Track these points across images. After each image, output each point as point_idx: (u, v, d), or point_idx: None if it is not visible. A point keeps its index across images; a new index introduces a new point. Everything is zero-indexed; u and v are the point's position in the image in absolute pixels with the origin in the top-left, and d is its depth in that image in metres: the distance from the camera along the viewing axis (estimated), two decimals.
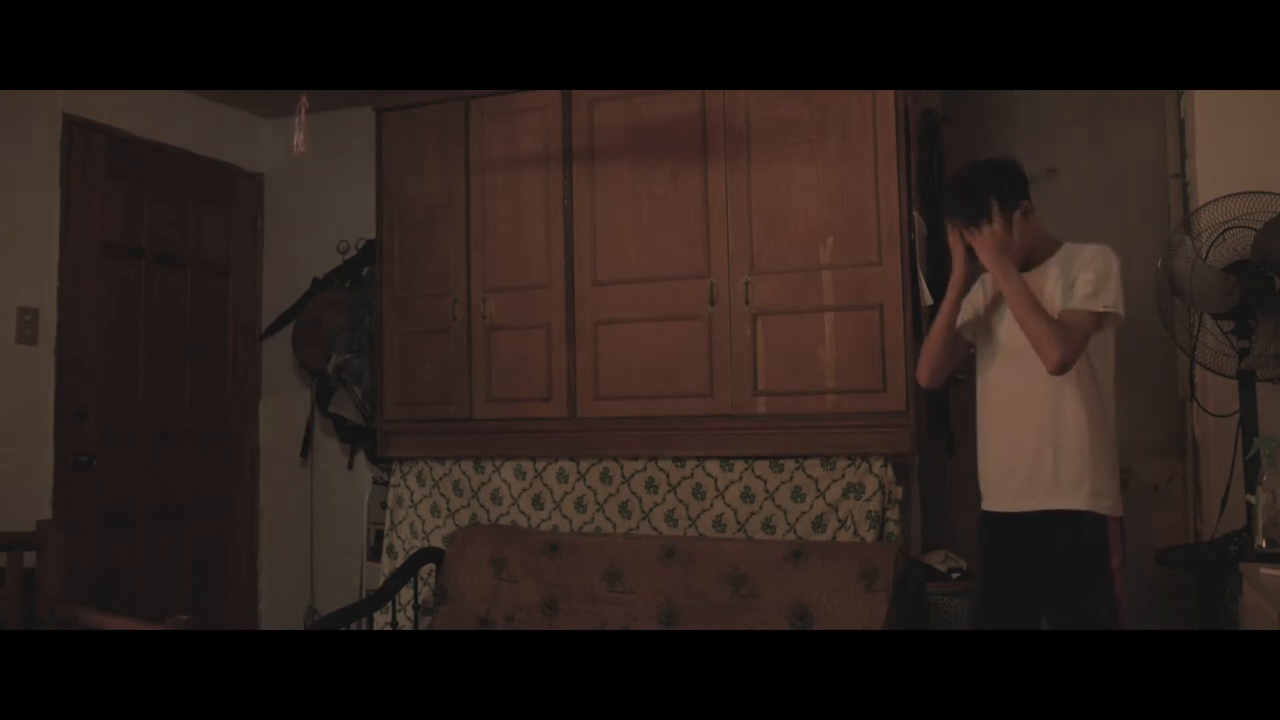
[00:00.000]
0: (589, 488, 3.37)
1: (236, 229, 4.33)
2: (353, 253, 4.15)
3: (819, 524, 3.07)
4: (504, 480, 3.49)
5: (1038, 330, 2.29)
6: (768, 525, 3.13)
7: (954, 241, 2.45)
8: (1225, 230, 2.66)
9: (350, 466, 4.18)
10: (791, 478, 3.12)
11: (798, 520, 3.09)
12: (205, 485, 4.13)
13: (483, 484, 3.52)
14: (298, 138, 2.60)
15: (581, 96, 3.31)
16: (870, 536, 3.00)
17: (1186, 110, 3.22)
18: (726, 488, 3.19)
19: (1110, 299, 2.33)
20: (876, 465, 3.03)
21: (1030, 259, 2.42)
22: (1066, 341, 2.27)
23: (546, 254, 3.35)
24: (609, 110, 3.28)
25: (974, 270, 2.46)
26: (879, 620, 2.76)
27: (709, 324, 3.13)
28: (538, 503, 3.44)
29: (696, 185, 3.17)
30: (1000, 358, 2.48)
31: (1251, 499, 2.51)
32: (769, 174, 3.09)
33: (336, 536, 4.16)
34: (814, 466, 3.10)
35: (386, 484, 3.82)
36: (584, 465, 3.38)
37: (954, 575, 3.04)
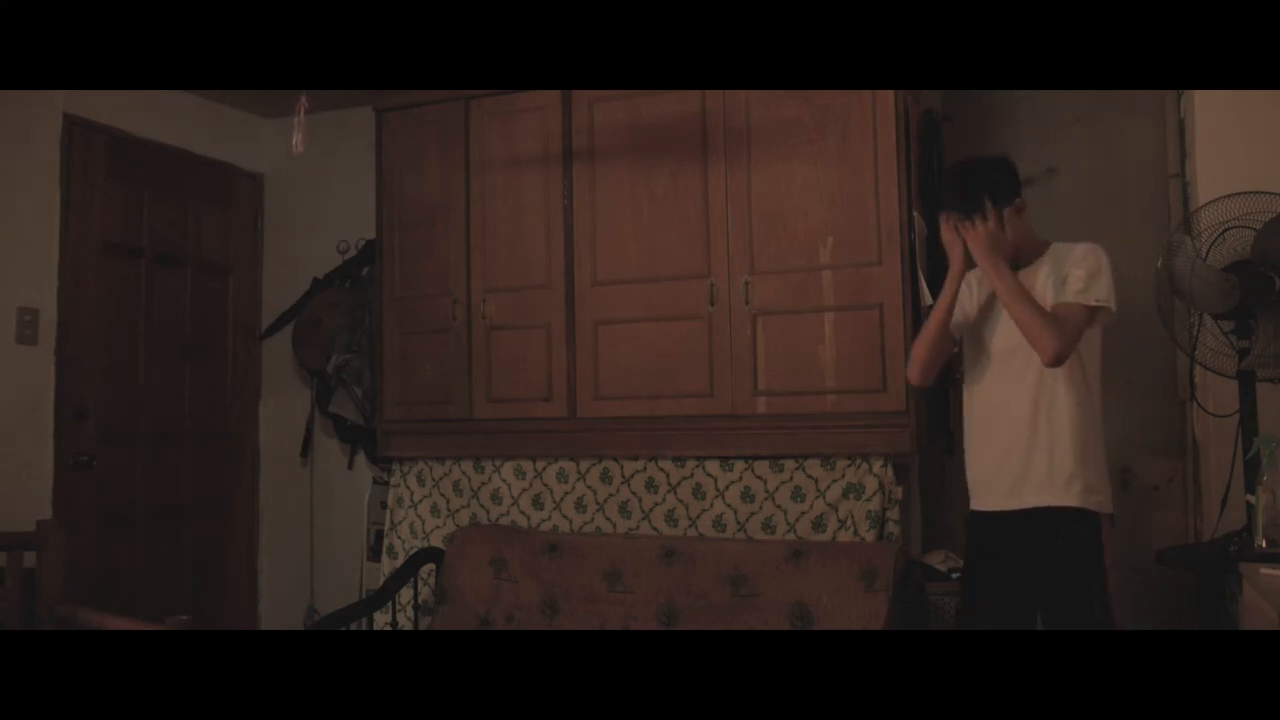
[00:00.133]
0: (589, 488, 3.37)
1: (236, 229, 4.33)
2: (353, 253, 4.15)
3: (819, 524, 3.07)
4: (504, 480, 3.49)
5: (1031, 323, 2.30)
6: (768, 525, 3.13)
7: (949, 235, 2.45)
8: (1225, 230, 2.66)
9: (350, 466, 4.18)
10: (791, 478, 3.12)
11: (798, 520, 3.09)
12: (205, 485, 4.13)
13: (483, 484, 3.52)
14: (297, 138, 2.60)
15: (581, 96, 3.31)
16: (870, 536, 3.00)
17: (1186, 110, 3.22)
18: (726, 488, 3.19)
19: (1102, 294, 2.36)
20: (876, 465, 3.03)
21: (1019, 258, 2.43)
22: (1061, 334, 2.29)
23: (546, 254, 3.35)
24: (609, 110, 3.28)
25: (971, 265, 2.46)
26: (879, 620, 2.76)
27: (709, 324, 3.13)
28: (538, 503, 3.44)
29: (696, 185, 3.17)
30: (989, 357, 2.48)
31: (1251, 499, 2.51)
32: (769, 174, 3.09)
33: (336, 536, 4.16)
34: (814, 466, 3.10)
35: (386, 484, 3.82)
36: (584, 465, 3.38)
37: (954, 575, 3.03)
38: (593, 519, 3.35)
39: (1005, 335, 2.44)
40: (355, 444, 4.14)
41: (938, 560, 3.10)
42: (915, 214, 3.00)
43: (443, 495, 3.57)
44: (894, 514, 3.03)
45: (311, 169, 4.06)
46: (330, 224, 4.20)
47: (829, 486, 3.07)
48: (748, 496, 3.16)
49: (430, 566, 3.42)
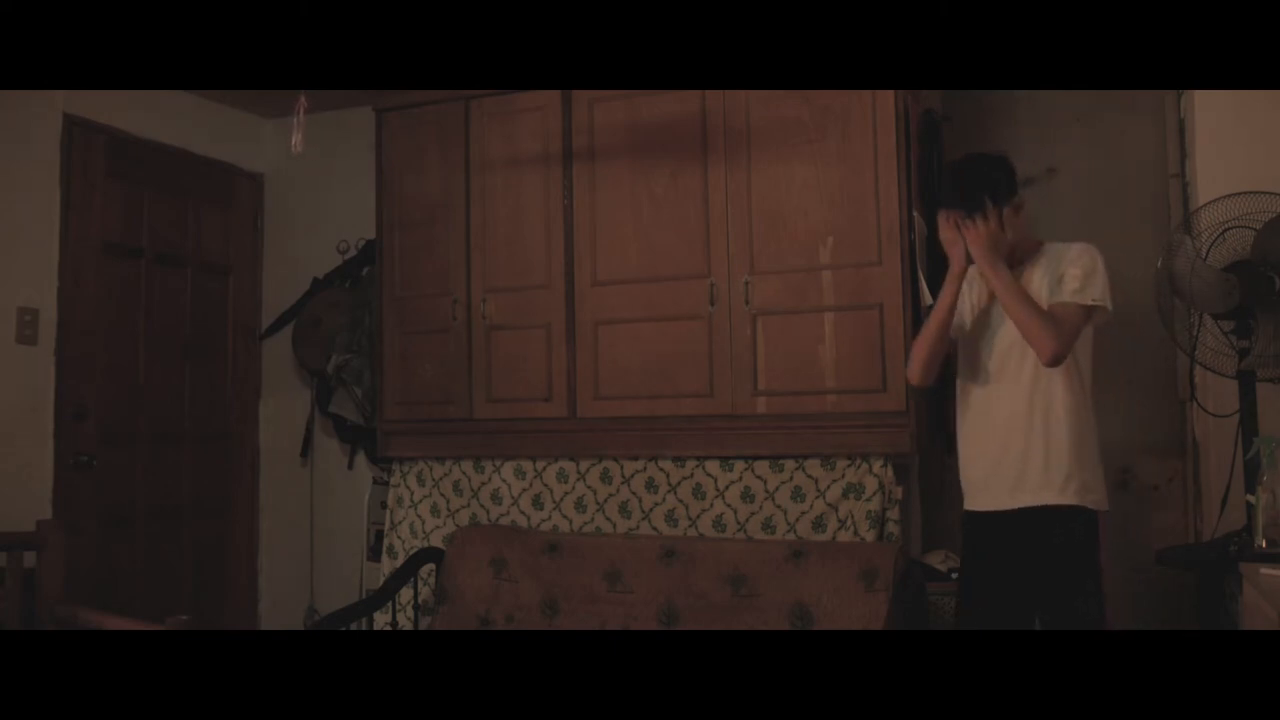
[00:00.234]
0: (589, 488, 3.37)
1: (236, 229, 4.33)
2: (353, 253, 4.15)
3: (819, 524, 3.07)
4: (504, 480, 3.49)
5: (1030, 322, 2.31)
6: (768, 525, 3.13)
7: (950, 234, 2.45)
8: (1225, 230, 2.66)
9: (350, 466, 4.18)
10: (791, 478, 3.12)
11: (798, 520, 3.10)
12: (205, 485, 4.13)
13: (483, 484, 3.52)
14: (296, 138, 2.60)
15: (581, 96, 3.31)
16: (870, 536, 3.00)
17: (1186, 110, 3.22)
18: (726, 488, 3.19)
19: (1098, 293, 2.37)
20: (876, 465, 3.03)
21: (1014, 257, 2.44)
22: (1060, 334, 2.30)
23: (546, 254, 3.35)
24: (609, 110, 3.28)
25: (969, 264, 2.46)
26: (879, 620, 2.76)
27: (709, 324, 3.13)
28: (538, 503, 3.44)
29: (696, 185, 3.17)
30: (985, 358, 2.49)
31: (1251, 499, 2.51)
32: (769, 174, 3.09)
33: (336, 536, 4.16)
34: (814, 466, 3.10)
35: (386, 484, 3.82)
36: (584, 465, 3.38)
37: (954, 575, 3.03)
38: (593, 519, 3.35)
39: (1000, 336, 2.44)
40: (355, 444, 4.14)
41: (938, 560, 3.10)
42: (915, 214, 3.00)
43: (443, 495, 3.57)
44: (894, 514, 3.03)
45: (311, 169, 4.06)
46: (330, 224, 4.20)
47: (829, 486, 3.07)
48: (748, 496, 3.16)
49: (430, 566, 3.42)
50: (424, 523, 3.59)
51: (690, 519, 3.23)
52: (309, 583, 4.20)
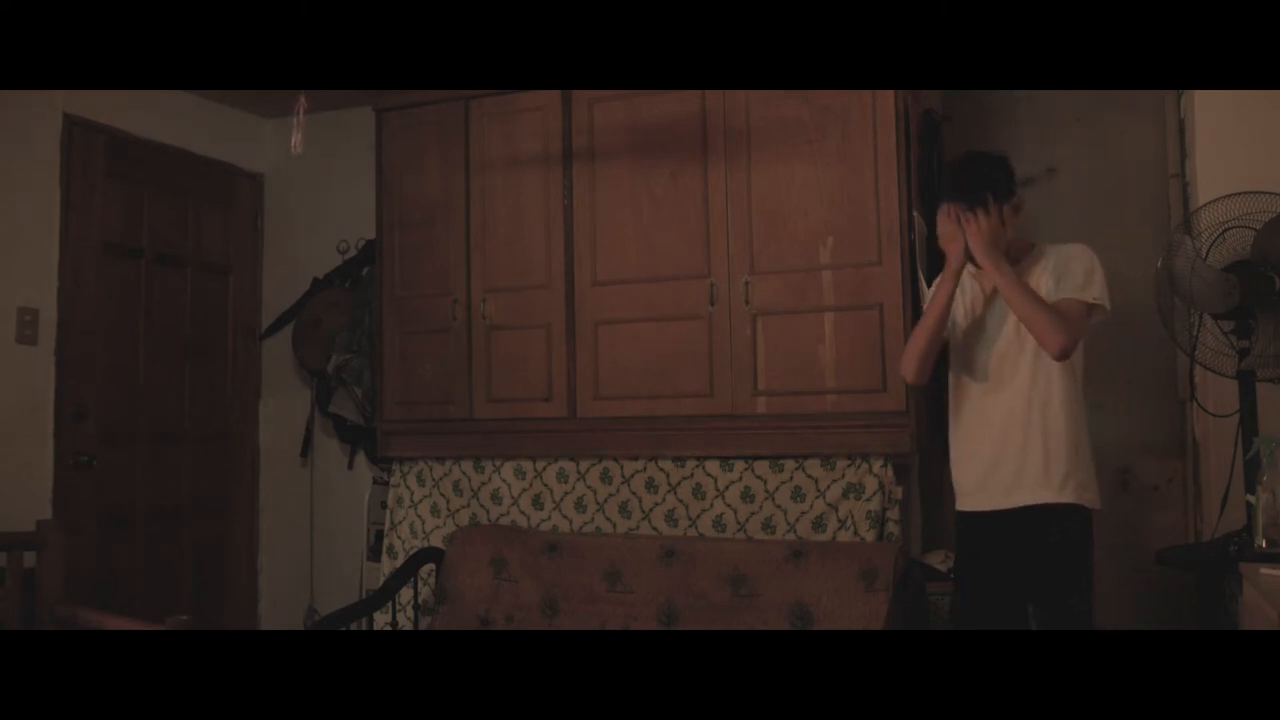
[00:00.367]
0: (589, 488, 3.37)
1: (236, 229, 4.33)
2: (353, 253, 4.15)
3: (819, 524, 3.07)
4: (504, 480, 3.49)
5: (1036, 316, 2.31)
6: (768, 525, 3.13)
7: (949, 228, 2.44)
8: (1225, 230, 2.66)
9: (350, 466, 4.18)
10: (791, 478, 3.12)
11: (798, 520, 3.10)
12: (205, 485, 4.13)
13: (483, 484, 3.52)
14: (296, 138, 2.60)
15: (581, 96, 3.31)
16: (870, 536, 3.00)
17: (1186, 110, 3.22)
18: (726, 488, 3.19)
19: (1098, 292, 2.38)
20: (876, 465, 3.03)
21: (1009, 257, 2.44)
22: (1068, 327, 2.30)
23: (546, 254, 3.35)
24: (609, 110, 3.28)
25: (969, 259, 2.45)
26: (879, 620, 2.76)
27: (709, 324, 3.13)
28: (538, 503, 3.44)
29: (696, 185, 3.17)
30: (979, 360, 2.49)
31: (1251, 499, 2.51)
32: (769, 174, 3.09)
33: (336, 536, 4.16)
34: (814, 466, 3.10)
35: (386, 484, 3.82)
36: (584, 465, 3.38)
37: (953, 575, 3.03)
38: (593, 519, 3.35)
39: (998, 340, 2.44)
40: (355, 444, 4.14)
41: (938, 560, 3.10)
42: (915, 214, 3.00)
43: (443, 495, 3.57)
44: (894, 514, 3.03)
45: (311, 169, 4.06)
46: (330, 224, 4.20)
47: (829, 486, 3.07)
48: (748, 496, 3.16)
49: (430, 566, 3.42)
50: (424, 523, 3.59)
51: (690, 519, 3.23)
52: (309, 583, 4.20)
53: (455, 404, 3.46)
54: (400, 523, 3.63)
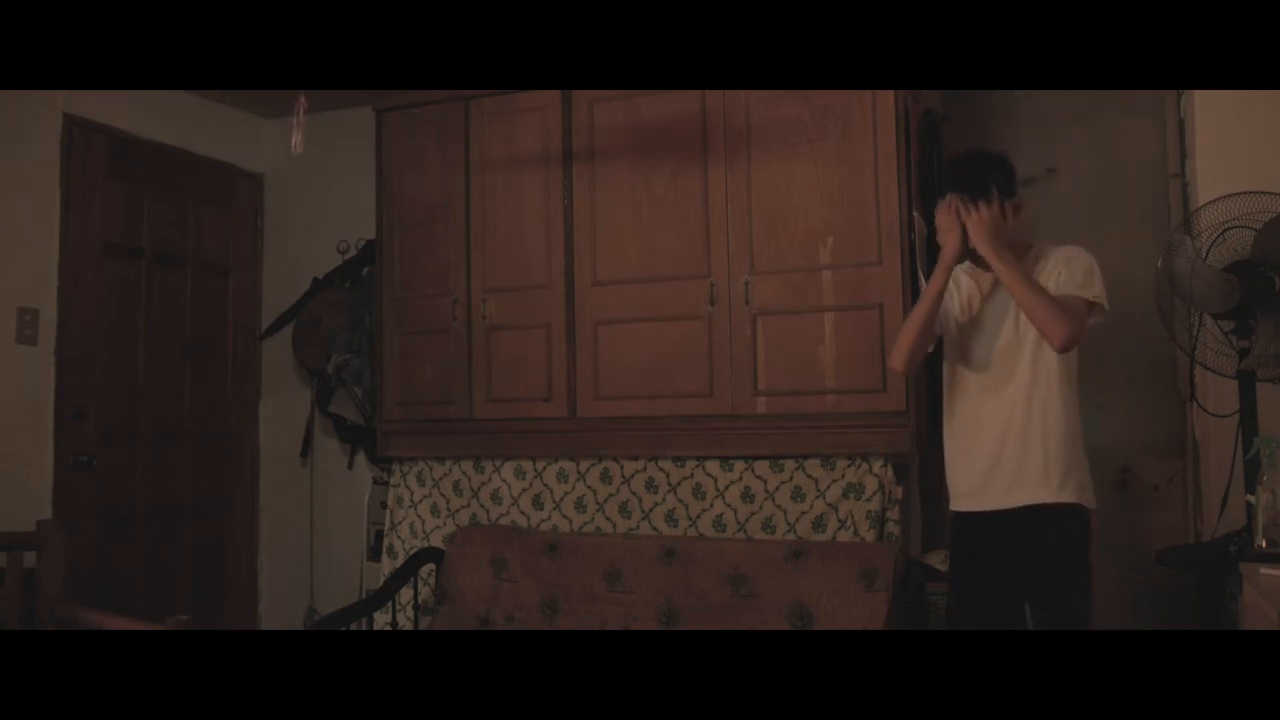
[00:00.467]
0: (589, 488, 3.37)
1: (236, 229, 4.33)
2: (353, 253, 4.15)
3: (819, 524, 3.07)
4: (504, 480, 3.49)
5: (1039, 307, 2.29)
6: (768, 525, 3.13)
7: (948, 220, 2.43)
8: (1225, 230, 2.66)
9: (350, 466, 4.18)
10: (791, 478, 3.12)
11: (798, 520, 3.10)
12: (205, 485, 4.13)
13: (483, 484, 3.52)
14: (296, 138, 2.60)
15: (581, 96, 3.31)
16: (870, 536, 3.00)
17: (1186, 110, 3.22)
18: (726, 488, 3.19)
19: (1097, 290, 2.38)
20: (876, 465, 3.03)
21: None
22: (1072, 320, 2.29)
23: (546, 254, 3.35)
24: (609, 110, 3.28)
25: (965, 252, 2.44)
26: (879, 620, 2.76)
27: (709, 324, 3.13)
28: (538, 503, 3.44)
29: (696, 185, 3.17)
30: (976, 359, 2.48)
31: (1251, 499, 2.51)
32: (769, 174, 3.09)
33: (336, 536, 4.16)
34: (814, 466, 3.10)
35: (386, 484, 3.82)
36: (584, 465, 3.38)
37: (949, 575, 3.03)
38: (593, 519, 3.35)
39: (994, 335, 2.44)
40: (355, 444, 4.14)
41: (938, 560, 3.10)
42: (915, 214, 3.00)
43: (443, 495, 3.57)
44: (894, 514, 3.03)
45: (311, 169, 4.05)
46: (330, 224, 4.20)
47: (829, 486, 3.07)
48: (748, 496, 3.16)
49: (430, 566, 3.42)
50: (424, 523, 3.59)
51: (690, 519, 3.23)
52: (309, 583, 4.20)
53: (455, 404, 3.46)
54: (400, 523, 3.63)
